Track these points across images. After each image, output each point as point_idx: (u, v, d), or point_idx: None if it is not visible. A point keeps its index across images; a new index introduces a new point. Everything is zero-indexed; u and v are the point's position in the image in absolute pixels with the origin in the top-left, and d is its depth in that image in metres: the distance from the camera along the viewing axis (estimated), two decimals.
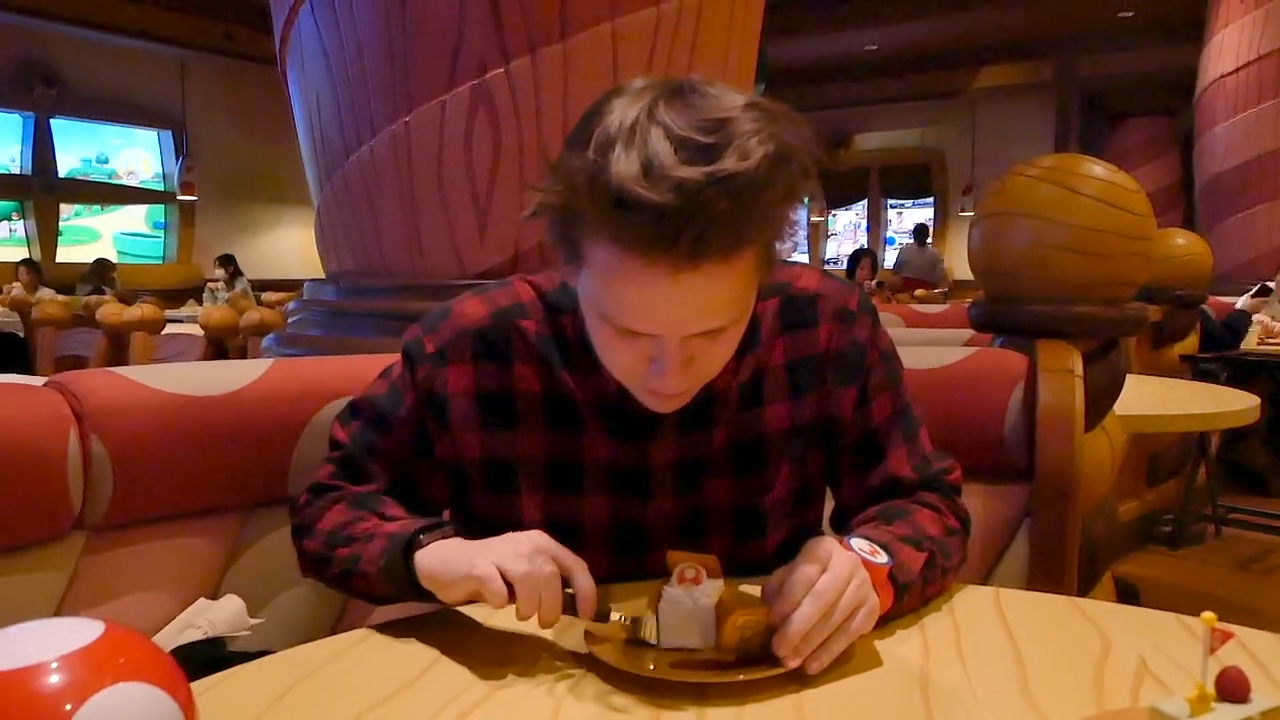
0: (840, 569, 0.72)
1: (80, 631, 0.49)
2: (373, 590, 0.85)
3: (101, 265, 8.55)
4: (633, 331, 0.76)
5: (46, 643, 0.47)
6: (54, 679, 0.46)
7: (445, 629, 0.82)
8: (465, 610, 0.86)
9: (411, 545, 0.80)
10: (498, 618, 0.85)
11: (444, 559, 0.78)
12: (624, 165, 0.68)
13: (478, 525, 0.88)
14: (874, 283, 8.24)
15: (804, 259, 13.28)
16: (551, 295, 0.90)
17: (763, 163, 0.68)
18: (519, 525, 0.90)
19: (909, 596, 0.81)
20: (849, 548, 0.77)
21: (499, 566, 0.74)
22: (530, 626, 0.81)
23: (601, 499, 0.90)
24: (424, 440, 0.91)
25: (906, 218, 13.83)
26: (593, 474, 0.90)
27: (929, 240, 11.10)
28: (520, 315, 0.90)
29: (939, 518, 0.90)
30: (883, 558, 0.78)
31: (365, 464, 0.92)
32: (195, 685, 0.54)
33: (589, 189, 0.70)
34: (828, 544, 0.75)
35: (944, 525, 0.89)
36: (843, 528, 0.98)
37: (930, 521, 0.88)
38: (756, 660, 0.71)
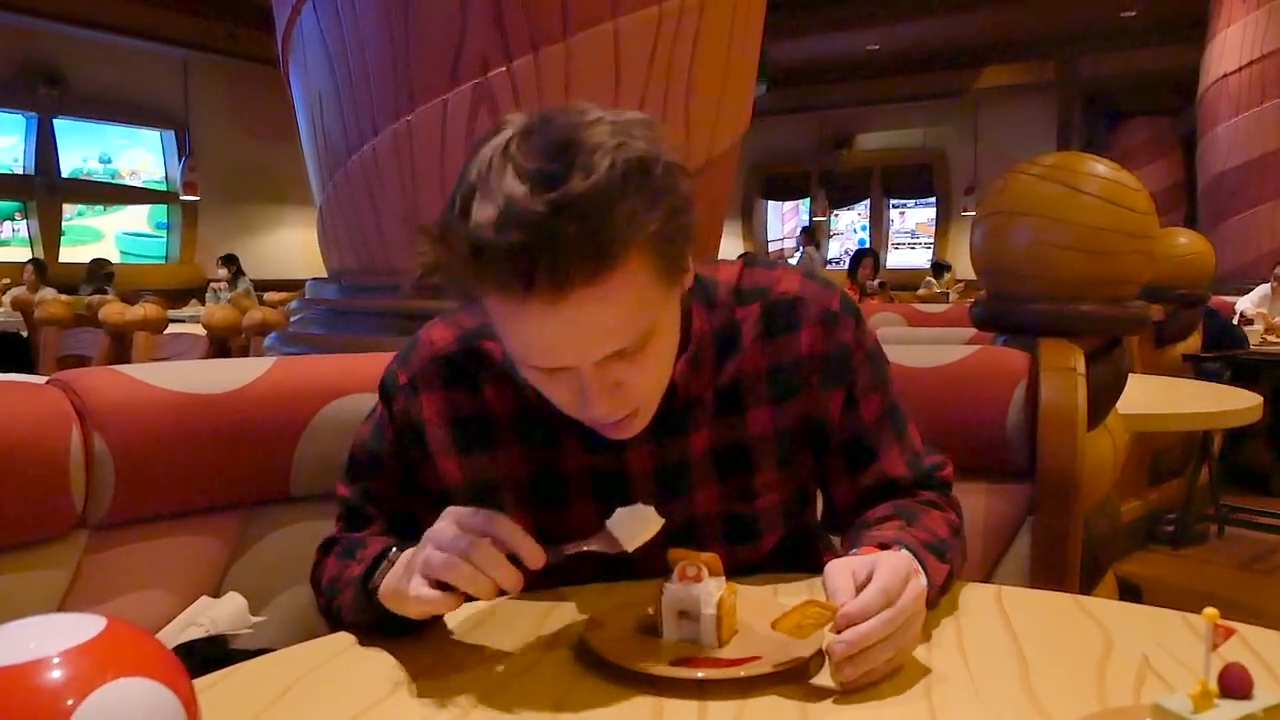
0: (915, 596, 0.72)
1: (82, 627, 0.49)
2: (374, 631, 0.83)
3: (98, 265, 8.55)
4: (546, 369, 0.76)
5: (48, 638, 0.47)
6: (56, 674, 0.46)
7: (446, 627, 0.82)
8: (466, 608, 0.86)
9: (370, 588, 0.79)
10: (499, 615, 0.85)
11: (393, 591, 0.77)
12: (479, 213, 0.69)
13: None
14: (876, 283, 8.24)
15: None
16: None
17: (610, 175, 0.68)
18: None
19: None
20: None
21: (429, 576, 0.73)
22: (531, 624, 0.81)
23: (587, 509, 0.89)
24: (410, 472, 0.92)
25: (909, 217, 13.82)
26: (575, 485, 0.90)
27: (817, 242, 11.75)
28: (486, 336, 0.90)
29: (945, 516, 0.90)
30: (923, 579, 0.77)
31: (364, 509, 0.93)
32: (197, 682, 0.54)
33: (449, 245, 0.71)
34: (908, 564, 0.74)
35: (950, 525, 0.90)
36: (837, 529, 0.97)
37: (940, 523, 0.88)
38: (774, 653, 0.71)
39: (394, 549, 0.80)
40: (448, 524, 0.75)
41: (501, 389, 0.90)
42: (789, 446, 0.92)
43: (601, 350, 0.73)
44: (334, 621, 0.88)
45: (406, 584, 0.74)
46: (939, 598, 0.84)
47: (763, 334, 0.90)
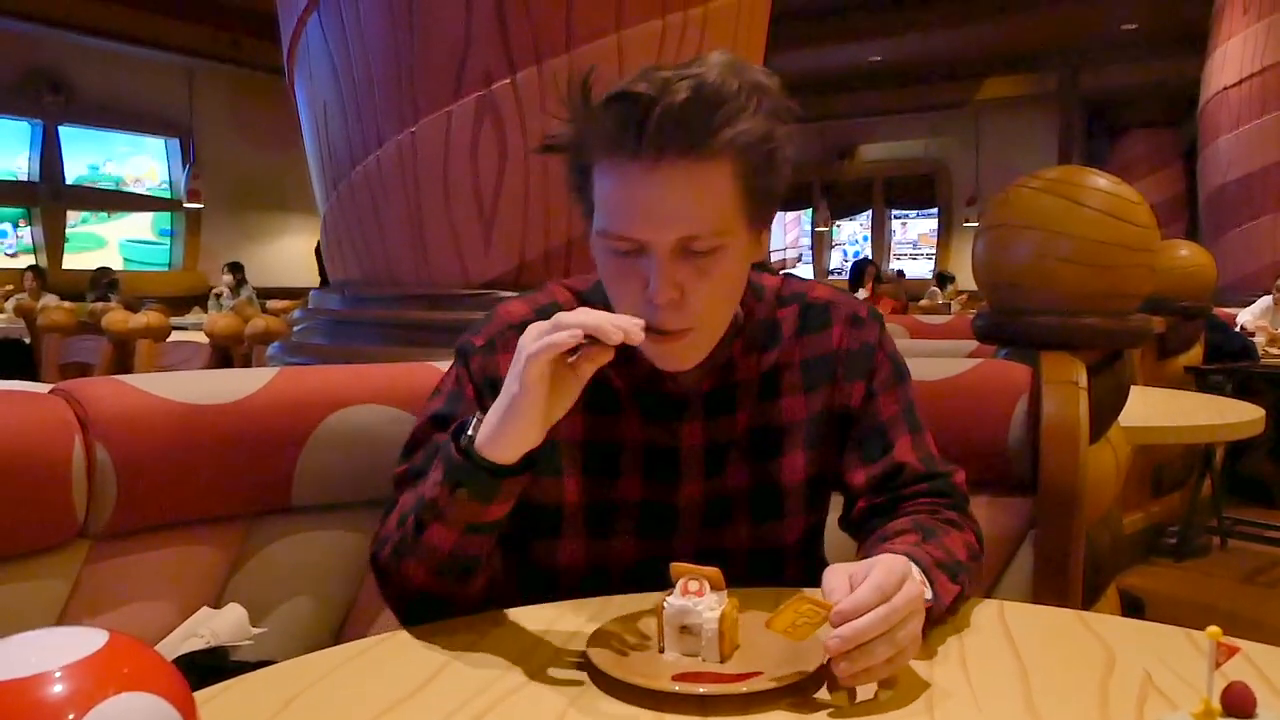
0: (911, 596, 0.72)
1: (84, 641, 0.49)
2: (450, 523, 0.82)
3: (101, 274, 8.56)
4: (627, 243, 0.83)
5: (50, 652, 0.47)
6: (57, 689, 0.46)
7: (448, 640, 0.82)
8: (468, 620, 0.86)
9: (463, 441, 0.80)
10: (501, 628, 0.85)
11: (501, 413, 0.79)
12: (617, 83, 0.82)
13: (520, 508, 0.87)
14: (895, 270, 8.28)
15: (808, 268, 13.33)
16: (585, 293, 0.99)
17: (727, 74, 0.81)
18: (560, 506, 0.95)
19: (931, 624, 0.81)
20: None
21: (546, 348, 0.76)
22: (532, 639, 0.81)
23: (635, 480, 0.96)
24: None
25: (910, 228, 13.83)
26: (628, 456, 0.95)
27: None
28: (558, 311, 0.92)
29: (963, 538, 0.92)
30: (929, 593, 0.78)
31: (428, 469, 0.90)
32: (197, 695, 0.54)
33: (586, 101, 0.84)
34: (904, 565, 0.75)
35: (968, 548, 0.91)
36: (852, 525, 1.00)
37: (959, 545, 0.90)
38: (776, 668, 0.71)
39: (475, 415, 0.82)
40: (536, 329, 0.78)
41: None
42: (816, 434, 0.99)
43: (679, 228, 0.82)
44: (402, 558, 0.86)
45: (526, 375, 0.76)
46: (946, 617, 0.84)
47: (798, 330, 1.00)
